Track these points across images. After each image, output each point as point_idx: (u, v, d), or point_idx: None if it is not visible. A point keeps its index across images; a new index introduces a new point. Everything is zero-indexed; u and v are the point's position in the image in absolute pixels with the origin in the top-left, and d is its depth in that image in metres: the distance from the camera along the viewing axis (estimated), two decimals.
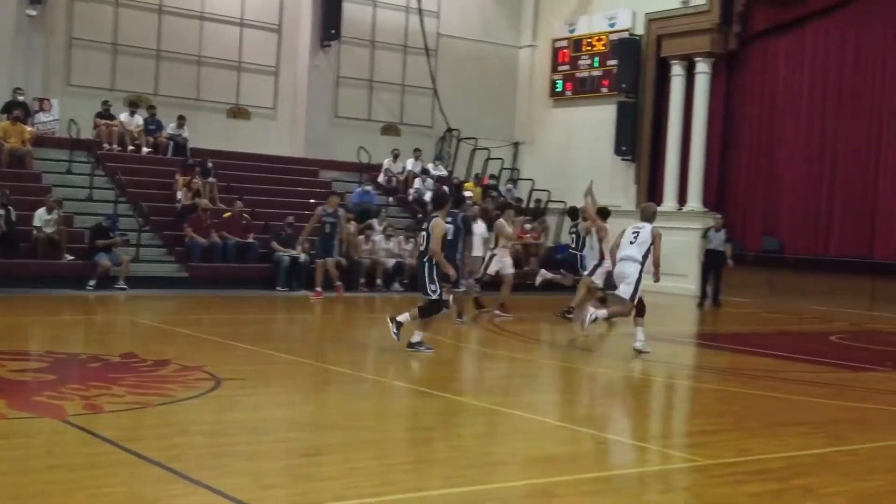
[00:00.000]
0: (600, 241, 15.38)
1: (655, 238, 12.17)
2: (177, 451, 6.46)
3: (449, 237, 12.70)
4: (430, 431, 7.72)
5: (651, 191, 25.36)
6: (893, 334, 16.98)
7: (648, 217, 12.54)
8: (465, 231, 15.37)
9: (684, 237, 23.50)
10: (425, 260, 11.48)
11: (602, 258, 15.12)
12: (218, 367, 9.60)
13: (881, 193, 21.39)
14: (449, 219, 12.90)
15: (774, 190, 23.42)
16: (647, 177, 25.52)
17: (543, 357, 13.17)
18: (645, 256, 12.08)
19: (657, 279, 12.36)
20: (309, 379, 10.19)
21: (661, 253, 12.25)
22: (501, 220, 16.41)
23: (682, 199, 24.55)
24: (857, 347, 14.97)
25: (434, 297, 11.34)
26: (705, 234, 21.27)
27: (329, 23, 25.00)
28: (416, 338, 11.43)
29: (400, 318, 11.48)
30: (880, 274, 20.74)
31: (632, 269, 12.07)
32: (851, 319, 19.02)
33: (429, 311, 11.47)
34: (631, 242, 12.21)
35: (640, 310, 12.38)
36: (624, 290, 12.19)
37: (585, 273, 15.60)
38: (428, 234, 11.40)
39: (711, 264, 20.80)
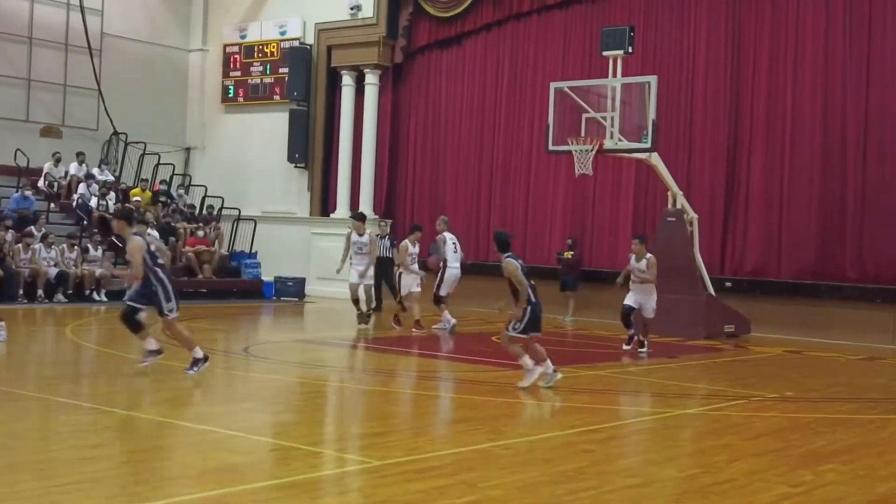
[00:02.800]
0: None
1: None
2: None
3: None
4: (97, 449, 7.46)
5: (324, 198, 25.77)
6: (547, 333, 18.25)
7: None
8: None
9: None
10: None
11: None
12: None
13: (532, 204, 22.89)
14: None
15: (440, 198, 24.48)
16: (321, 184, 25.89)
17: (218, 366, 13.01)
18: None
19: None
20: None
21: None
22: (406, 241, 17.47)
23: (354, 206, 25.09)
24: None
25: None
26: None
27: None
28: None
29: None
30: (534, 277, 22.12)
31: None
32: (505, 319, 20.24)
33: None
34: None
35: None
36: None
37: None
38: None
39: (378, 270, 21.42)
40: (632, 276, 14.90)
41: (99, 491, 6.07)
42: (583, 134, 17.72)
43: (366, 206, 24.87)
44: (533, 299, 10.66)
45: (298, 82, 25.50)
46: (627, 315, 14.96)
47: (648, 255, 14.81)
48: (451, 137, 24.43)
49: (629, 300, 14.94)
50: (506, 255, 10.67)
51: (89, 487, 6.13)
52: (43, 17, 25.10)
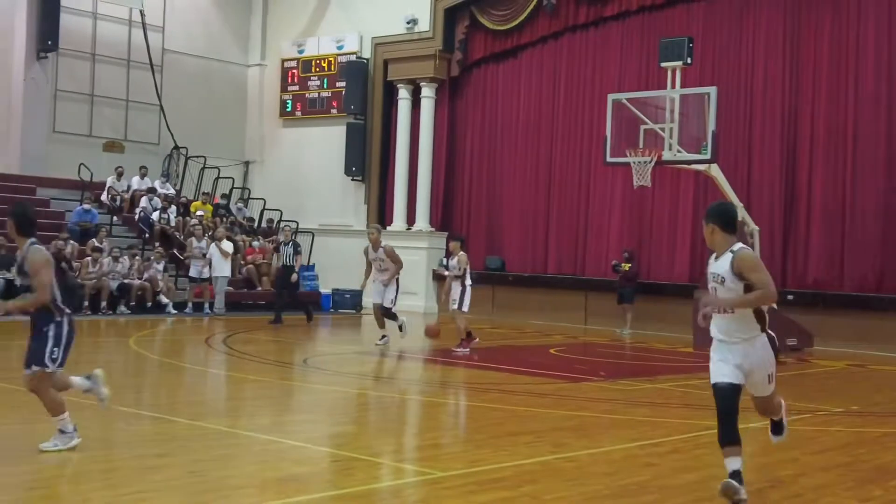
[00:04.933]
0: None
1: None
2: None
3: None
4: (162, 458, 7.55)
5: (380, 211, 25.91)
6: (605, 346, 18.18)
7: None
8: None
9: (413, 256, 24.16)
10: None
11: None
12: None
13: (591, 215, 22.82)
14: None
15: (496, 210, 24.50)
16: (377, 197, 26.04)
17: (278, 377, 13.13)
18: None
19: None
20: (28, 408, 9.64)
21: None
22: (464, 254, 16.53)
23: (410, 219, 25.21)
24: (574, 359, 15.94)
25: None
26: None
27: (45, 33, 23.79)
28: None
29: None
30: (592, 290, 22.15)
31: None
32: (567, 333, 20.20)
33: None
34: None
35: None
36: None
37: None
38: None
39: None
40: None
41: (166, 500, 6.15)
42: (641, 145, 17.61)
43: (422, 219, 24.96)
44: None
45: (355, 96, 25.69)
46: None
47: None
48: (507, 150, 24.44)
49: None
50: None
51: (156, 496, 6.22)
52: (106, 34, 25.60)
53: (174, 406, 10.11)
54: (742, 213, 18.27)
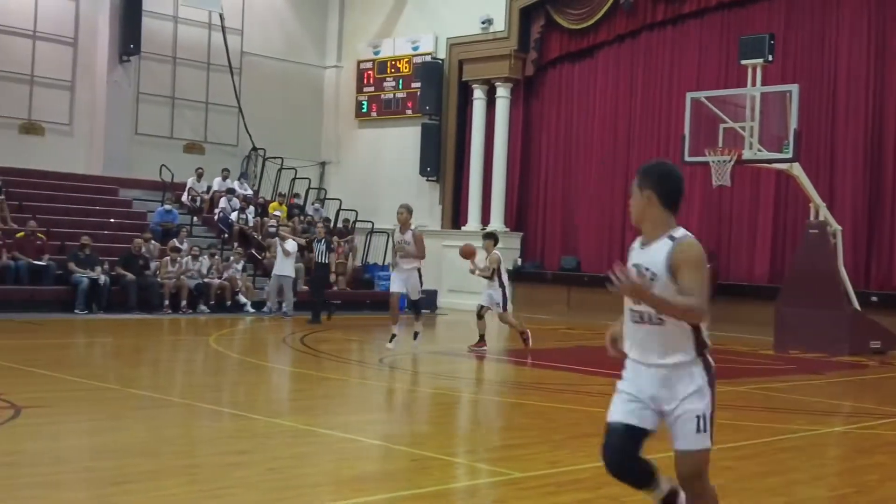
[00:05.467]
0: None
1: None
2: None
3: None
4: (243, 455, 7.64)
5: (455, 211, 25.95)
6: None
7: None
8: None
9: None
10: None
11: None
12: (17, 394, 9.19)
13: None
14: None
15: (571, 210, 24.37)
16: (452, 197, 26.08)
17: (354, 376, 13.23)
18: None
19: None
20: (114, 405, 9.86)
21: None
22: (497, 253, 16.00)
23: (484, 219, 25.20)
24: None
25: None
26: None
27: (128, 37, 24.31)
28: None
29: None
30: None
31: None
32: None
33: None
34: None
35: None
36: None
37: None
38: None
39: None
40: None
41: (248, 496, 6.22)
42: (720, 144, 17.37)
43: (497, 219, 24.92)
44: None
45: (430, 96, 25.77)
46: None
47: None
48: (583, 150, 24.29)
49: None
50: None
51: (239, 493, 6.30)
52: (186, 37, 26.07)
53: (253, 404, 10.24)
54: (824, 213, 17.92)
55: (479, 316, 15.65)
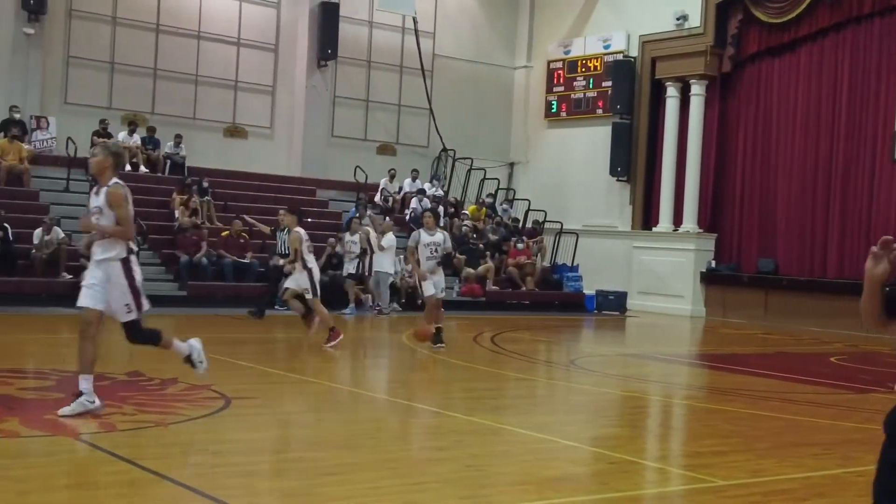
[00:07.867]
0: None
1: None
2: (195, 469, 6.46)
3: None
4: (443, 451, 7.72)
5: (646, 212, 25.52)
6: (891, 355, 17.04)
7: None
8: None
9: (679, 258, 23.75)
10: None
11: None
12: (225, 385, 9.58)
13: (875, 215, 21.50)
14: None
15: (769, 211, 23.53)
16: (642, 198, 25.65)
17: (546, 377, 13.19)
18: None
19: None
20: (321, 398, 10.18)
21: None
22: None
23: (677, 220, 24.66)
24: (858, 369, 15.03)
25: None
26: None
27: (326, 43, 25.08)
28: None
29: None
30: None
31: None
32: (847, 341, 19.08)
33: None
34: None
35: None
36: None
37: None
38: None
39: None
40: None
41: (450, 492, 6.27)
42: None
43: (689, 220, 24.37)
44: None
45: (622, 95, 25.44)
46: None
47: None
48: (783, 148, 23.41)
49: None
50: None
51: (441, 487, 6.35)
52: (380, 41, 26.68)
53: (449, 401, 10.34)
54: None
55: (300, 299, 13.78)
